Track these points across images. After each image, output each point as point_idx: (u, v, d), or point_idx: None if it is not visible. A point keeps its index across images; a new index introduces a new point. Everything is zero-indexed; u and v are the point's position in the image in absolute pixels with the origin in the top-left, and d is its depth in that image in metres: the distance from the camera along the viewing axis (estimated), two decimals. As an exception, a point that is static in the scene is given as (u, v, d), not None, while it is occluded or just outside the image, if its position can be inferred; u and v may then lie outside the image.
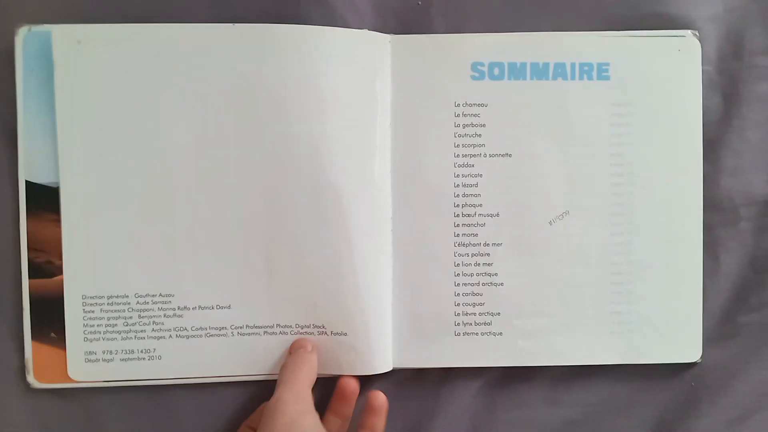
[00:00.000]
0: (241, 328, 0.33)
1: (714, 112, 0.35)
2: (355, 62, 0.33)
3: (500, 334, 0.34)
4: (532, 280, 0.34)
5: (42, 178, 0.33)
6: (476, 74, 0.34)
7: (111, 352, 0.33)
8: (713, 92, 0.35)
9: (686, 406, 0.35)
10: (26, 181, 0.33)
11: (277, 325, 0.33)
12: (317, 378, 0.32)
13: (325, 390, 0.34)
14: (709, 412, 0.35)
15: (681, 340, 0.35)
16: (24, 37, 0.32)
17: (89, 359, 0.33)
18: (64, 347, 0.33)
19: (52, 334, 0.33)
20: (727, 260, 0.35)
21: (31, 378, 0.33)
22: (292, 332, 0.33)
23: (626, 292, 0.35)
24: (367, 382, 0.34)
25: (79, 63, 0.32)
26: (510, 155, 0.34)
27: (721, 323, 0.35)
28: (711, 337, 0.35)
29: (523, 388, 0.35)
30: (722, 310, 0.35)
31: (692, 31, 0.35)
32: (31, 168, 0.33)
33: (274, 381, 0.32)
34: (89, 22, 0.33)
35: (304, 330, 0.33)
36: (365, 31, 0.33)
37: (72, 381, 0.33)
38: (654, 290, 0.34)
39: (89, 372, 0.33)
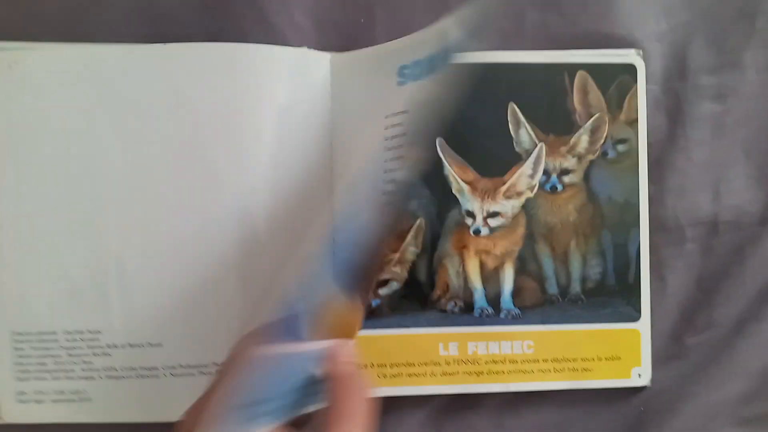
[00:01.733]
0: (173, 368, 0.31)
1: (659, 131, 0.35)
2: (294, 81, 0.32)
3: (446, 359, 0.33)
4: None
5: None
6: (401, 79, 0.31)
7: (42, 393, 0.31)
8: (658, 112, 0.35)
9: (635, 429, 0.34)
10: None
11: (213, 363, 0.31)
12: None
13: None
14: (658, 436, 0.34)
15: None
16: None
17: (21, 399, 0.31)
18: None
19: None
20: (673, 281, 0.35)
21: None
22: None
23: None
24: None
25: (11, 85, 0.31)
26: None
27: (669, 345, 0.35)
28: (659, 359, 0.34)
29: (470, 414, 0.34)
30: (669, 332, 0.35)
31: (636, 50, 0.34)
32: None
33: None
34: (23, 39, 0.31)
35: None
36: (304, 49, 0.32)
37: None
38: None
39: (23, 413, 0.31)
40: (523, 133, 0.34)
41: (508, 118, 0.33)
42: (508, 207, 0.34)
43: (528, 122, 0.33)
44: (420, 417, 0.34)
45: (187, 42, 0.32)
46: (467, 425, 0.34)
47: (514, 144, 0.34)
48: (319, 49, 0.33)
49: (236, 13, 0.33)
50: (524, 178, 0.34)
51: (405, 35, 0.34)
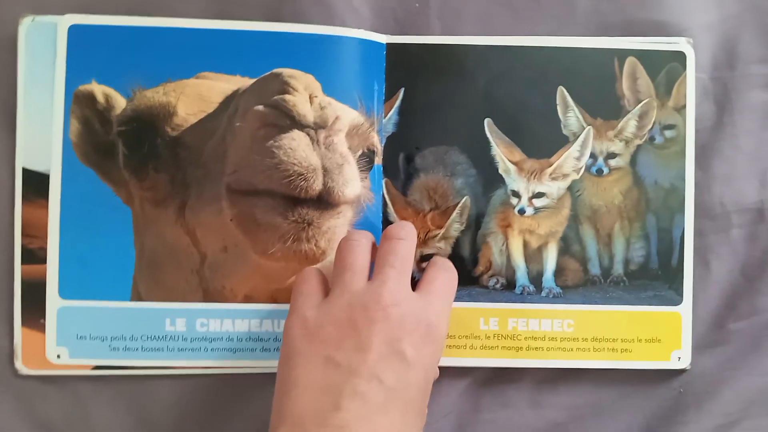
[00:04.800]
0: None
1: (707, 119, 0.35)
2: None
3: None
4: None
5: (39, 165, 0.33)
6: None
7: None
8: (706, 99, 0.35)
9: (673, 412, 0.35)
10: (23, 168, 0.33)
11: None
12: None
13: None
14: (697, 418, 0.34)
15: (670, 346, 0.35)
16: (27, 27, 0.33)
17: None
18: (52, 333, 0.33)
19: (42, 320, 0.33)
20: (717, 267, 0.35)
21: (18, 364, 0.33)
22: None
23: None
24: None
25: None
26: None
27: (711, 330, 0.35)
28: (700, 344, 0.35)
29: (509, 389, 0.35)
30: (712, 317, 0.35)
31: (686, 38, 0.35)
32: (28, 155, 0.33)
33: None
34: (90, 12, 0.33)
35: None
36: (363, 31, 0.34)
37: (60, 367, 0.33)
38: (644, 295, 0.35)
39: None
40: (572, 116, 0.34)
41: (557, 101, 0.34)
42: (554, 188, 0.34)
43: (576, 106, 0.34)
44: (459, 388, 0.35)
45: (248, 21, 0.33)
46: (504, 400, 0.35)
47: (562, 127, 0.34)
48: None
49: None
50: (571, 160, 0.34)
51: (457, 21, 0.35)
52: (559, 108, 0.34)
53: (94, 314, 0.33)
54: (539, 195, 0.34)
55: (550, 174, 0.34)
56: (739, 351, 0.35)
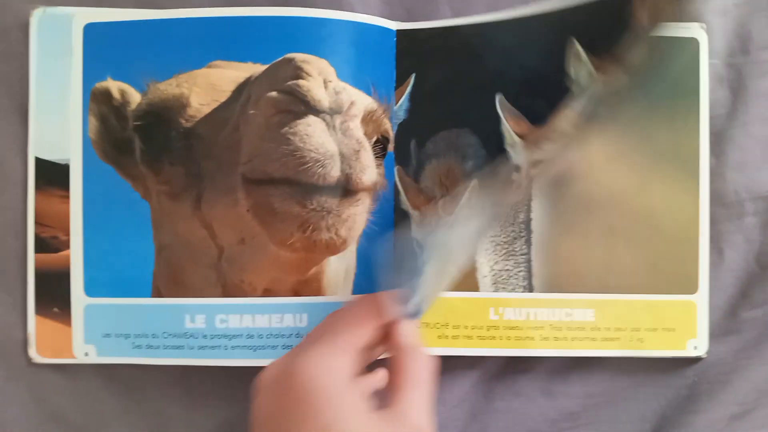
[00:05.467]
0: None
1: (720, 105, 0.35)
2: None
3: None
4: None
5: (51, 155, 0.33)
6: None
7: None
8: (720, 86, 0.35)
9: (686, 401, 0.35)
10: (36, 158, 0.33)
11: None
12: None
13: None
14: (711, 407, 0.34)
15: (685, 335, 0.34)
16: (39, 18, 0.33)
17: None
18: (66, 322, 0.33)
19: (55, 309, 0.33)
20: (732, 255, 0.35)
21: (32, 352, 0.33)
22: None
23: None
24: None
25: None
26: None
27: (725, 318, 0.35)
28: (714, 333, 0.34)
29: (521, 378, 0.35)
30: (726, 306, 0.35)
31: (700, 24, 0.35)
32: (41, 144, 0.33)
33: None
34: (101, 5, 0.33)
35: None
36: (373, 17, 0.33)
37: (72, 356, 0.33)
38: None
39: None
40: (583, 71, 0.33)
41: (569, 54, 0.33)
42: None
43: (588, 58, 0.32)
44: (471, 378, 0.35)
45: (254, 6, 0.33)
46: (517, 389, 0.35)
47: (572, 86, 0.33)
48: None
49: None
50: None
51: (467, 6, 0.35)
52: (571, 62, 0.33)
53: (118, 312, 0.33)
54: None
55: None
56: (752, 340, 0.34)
